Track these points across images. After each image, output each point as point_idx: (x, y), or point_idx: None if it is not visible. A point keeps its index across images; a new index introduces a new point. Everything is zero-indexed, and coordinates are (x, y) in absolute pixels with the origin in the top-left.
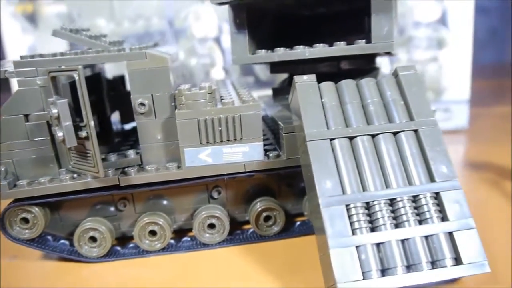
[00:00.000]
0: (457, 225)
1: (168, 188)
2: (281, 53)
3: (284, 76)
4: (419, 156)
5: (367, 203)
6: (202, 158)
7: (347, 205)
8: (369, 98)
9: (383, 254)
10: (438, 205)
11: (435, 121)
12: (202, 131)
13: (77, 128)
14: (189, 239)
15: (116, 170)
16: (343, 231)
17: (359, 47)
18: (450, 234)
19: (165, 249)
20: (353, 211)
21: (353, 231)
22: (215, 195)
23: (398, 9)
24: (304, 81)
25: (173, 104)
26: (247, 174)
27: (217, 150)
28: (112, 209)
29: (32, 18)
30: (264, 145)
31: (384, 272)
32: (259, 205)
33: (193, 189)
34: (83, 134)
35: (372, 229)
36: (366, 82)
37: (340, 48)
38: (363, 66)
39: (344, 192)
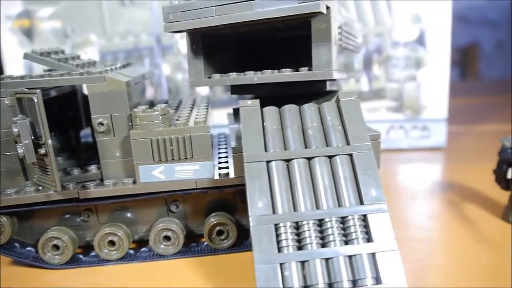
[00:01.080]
0: (380, 246)
1: (130, 201)
2: (233, 78)
3: None
4: (351, 179)
5: (297, 222)
6: (155, 174)
7: (276, 224)
8: (309, 122)
9: (307, 272)
10: (365, 226)
11: (370, 146)
12: (155, 150)
13: (37, 145)
14: (146, 249)
15: (77, 184)
16: (269, 248)
17: (301, 74)
18: (373, 255)
19: (123, 259)
20: (282, 230)
21: (280, 249)
22: (173, 208)
23: (375, 30)
24: (248, 106)
25: (130, 123)
26: (199, 190)
27: (170, 168)
28: (78, 219)
29: (29, 33)
30: (223, 162)
31: None
32: (212, 219)
33: (153, 203)
34: (42, 151)
35: (299, 248)
36: (308, 107)
37: (284, 75)
38: (322, 89)
39: (274, 212)
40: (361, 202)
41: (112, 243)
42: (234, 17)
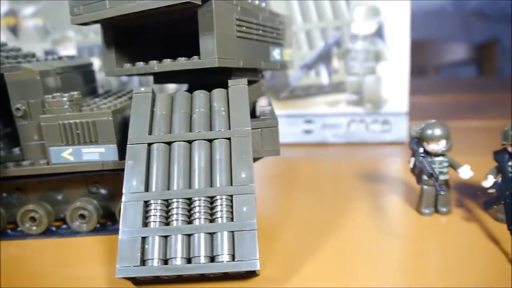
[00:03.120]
0: (240, 225)
1: (55, 182)
2: (139, 67)
3: None
4: (226, 162)
5: (167, 200)
6: (65, 156)
7: (147, 201)
8: (197, 108)
9: (168, 246)
10: (231, 206)
11: (249, 131)
12: (63, 133)
13: None
14: (66, 227)
15: (1, 164)
16: (134, 223)
17: (191, 62)
18: (233, 233)
19: (44, 234)
20: (152, 206)
21: (147, 224)
22: (93, 190)
23: (334, 23)
24: (141, 92)
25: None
26: (106, 172)
27: (77, 150)
28: (11, 196)
29: (14, 30)
30: None
31: (165, 261)
32: None
33: (75, 184)
34: None
35: (167, 224)
36: (198, 94)
37: (178, 63)
38: (254, 78)
39: (147, 190)
40: (230, 183)
41: (33, 219)
42: (121, 9)
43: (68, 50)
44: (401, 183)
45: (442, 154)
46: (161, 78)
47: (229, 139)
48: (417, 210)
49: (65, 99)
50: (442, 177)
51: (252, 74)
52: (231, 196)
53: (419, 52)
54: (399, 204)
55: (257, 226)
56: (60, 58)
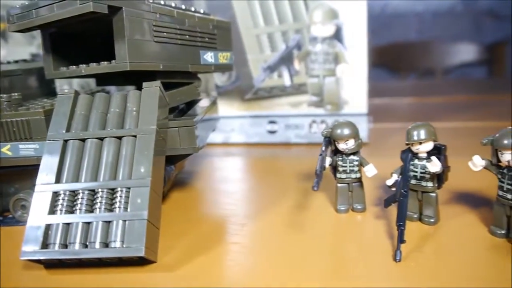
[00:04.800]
0: (132, 215)
1: (4, 175)
2: (70, 71)
3: None
4: (130, 158)
5: (74, 191)
6: (5, 151)
7: (55, 192)
8: (113, 107)
9: (69, 232)
10: (128, 198)
11: (153, 130)
12: (1, 130)
13: None
14: (11, 216)
15: None
16: (41, 211)
17: (109, 66)
18: (125, 222)
19: None
20: (60, 197)
21: (54, 212)
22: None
23: (294, 26)
24: (64, 93)
25: None
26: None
27: (15, 146)
28: None
29: (4, 35)
30: None
31: (66, 246)
32: None
33: (22, 177)
34: None
35: (72, 213)
36: (116, 95)
37: (100, 67)
38: (185, 80)
39: (57, 182)
40: (130, 177)
41: None
42: (40, 19)
43: None
44: None
45: (353, 153)
46: (101, 80)
47: (135, 136)
48: (335, 208)
49: (3, 99)
50: (353, 175)
51: (183, 76)
52: (130, 188)
53: (427, 53)
54: (325, 202)
55: (178, 219)
56: (16, 61)
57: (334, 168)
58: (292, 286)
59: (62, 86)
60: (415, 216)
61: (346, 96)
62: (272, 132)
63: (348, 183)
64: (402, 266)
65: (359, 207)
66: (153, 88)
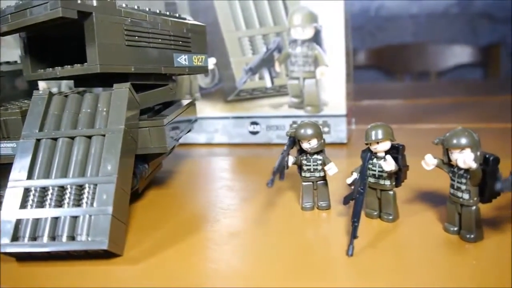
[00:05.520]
0: (98, 210)
1: None
2: (47, 72)
3: None
4: (98, 156)
5: (45, 188)
6: None
7: (27, 188)
8: (84, 108)
9: (38, 226)
10: (94, 194)
11: (121, 129)
12: None
13: None
14: None
15: None
16: (13, 206)
17: (82, 68)
18: (91, 216)
19: None
20: (31, 193)
21: (25, 207)
22: None
23: (274, 29)
24: (39, 95)
25: None
26: None
27: None
28: None
29: None
30: None
31: (35, 239)
32: None
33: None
34: None
35: (42, 208)
36: (87, 96)
37: (73, 69)
38: (160, 82)
39: (29, 179)
40: (97, 174)
41: None
42: (14, 24)
43: None
44: None
45: (317, 152)
46: (78, 82)
47: (104, 135)
48: (300, 205)
49: None
50: (317, 174)
51: (157, 78)
52: (97, 185)
53: (422, 55)
54: (293, 200)
55: (151, 216)
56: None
57: (300, 167)
58: (248, 280)
59: (52, 88)
60: (375, 213)
61: (326, 97)
62: (254, 133)
63: (312, 181)
64: (353, 261)
65: (323, 204)
66: (123, 89)
